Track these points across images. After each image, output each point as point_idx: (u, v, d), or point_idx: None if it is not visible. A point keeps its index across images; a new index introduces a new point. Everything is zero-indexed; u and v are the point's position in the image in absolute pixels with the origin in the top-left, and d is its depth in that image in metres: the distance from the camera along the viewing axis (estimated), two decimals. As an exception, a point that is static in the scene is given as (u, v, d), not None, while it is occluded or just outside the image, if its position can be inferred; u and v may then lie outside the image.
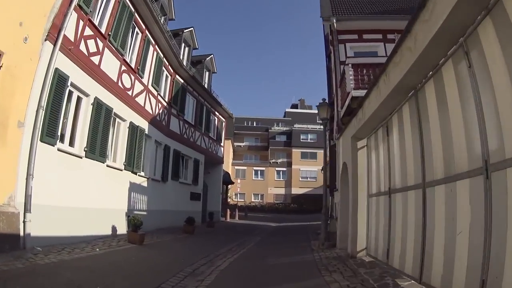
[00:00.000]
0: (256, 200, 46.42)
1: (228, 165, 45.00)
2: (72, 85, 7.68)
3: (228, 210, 21.94)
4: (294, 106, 61.18)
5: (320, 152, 49.02)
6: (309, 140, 48.95)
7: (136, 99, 11.08)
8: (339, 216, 9.34)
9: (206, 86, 18.71)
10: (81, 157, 8.05)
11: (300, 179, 47.29)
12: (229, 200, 43.18)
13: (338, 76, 11.05)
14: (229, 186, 37.67)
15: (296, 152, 48.29)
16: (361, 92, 7.06)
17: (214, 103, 19.67)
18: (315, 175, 47.45)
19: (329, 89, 15.28)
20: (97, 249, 6.96)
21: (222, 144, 21.12)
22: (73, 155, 7.78)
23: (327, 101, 11.39)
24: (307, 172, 47.55)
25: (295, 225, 20.03)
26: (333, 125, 12.85)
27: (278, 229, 17.41)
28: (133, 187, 10.81)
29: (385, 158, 6.01)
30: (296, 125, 50.97)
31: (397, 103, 5.22)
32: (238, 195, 47.17)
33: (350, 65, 8.54)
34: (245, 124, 53.98)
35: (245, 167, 48.33)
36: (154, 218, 11.69)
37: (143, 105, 11.59)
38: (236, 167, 48.05)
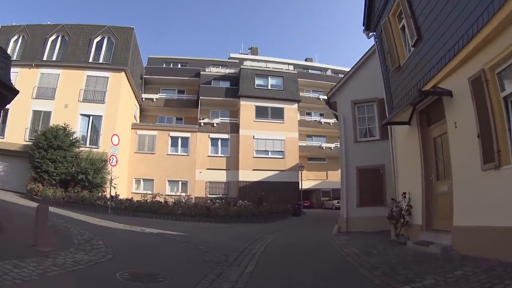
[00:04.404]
0: (174, 193, 24.61)
1: (120, 124, 22.97)
2: None
3: None
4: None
5: (289, 108, 29.01)
6: (269, 88, 28.54)
7: None
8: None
9: None
10: None
11: (255, 155, 26.76)
12: (103, 191, 20.58)
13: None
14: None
15: (246, 106, 27.56)
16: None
17: None
18: (281, 147, 27.31)
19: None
20: None
21: None
22: None
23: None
24: (268, 142, 27.18)
25: None
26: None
27: None
28: None
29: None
30: (246, 64, 30.42)
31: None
32: (142, 182, 25.49)
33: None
34: (164, 66, 32.28)
35: (155, 132, 26.50)
36: None
37: None
38: (139, 132, 26.21)
